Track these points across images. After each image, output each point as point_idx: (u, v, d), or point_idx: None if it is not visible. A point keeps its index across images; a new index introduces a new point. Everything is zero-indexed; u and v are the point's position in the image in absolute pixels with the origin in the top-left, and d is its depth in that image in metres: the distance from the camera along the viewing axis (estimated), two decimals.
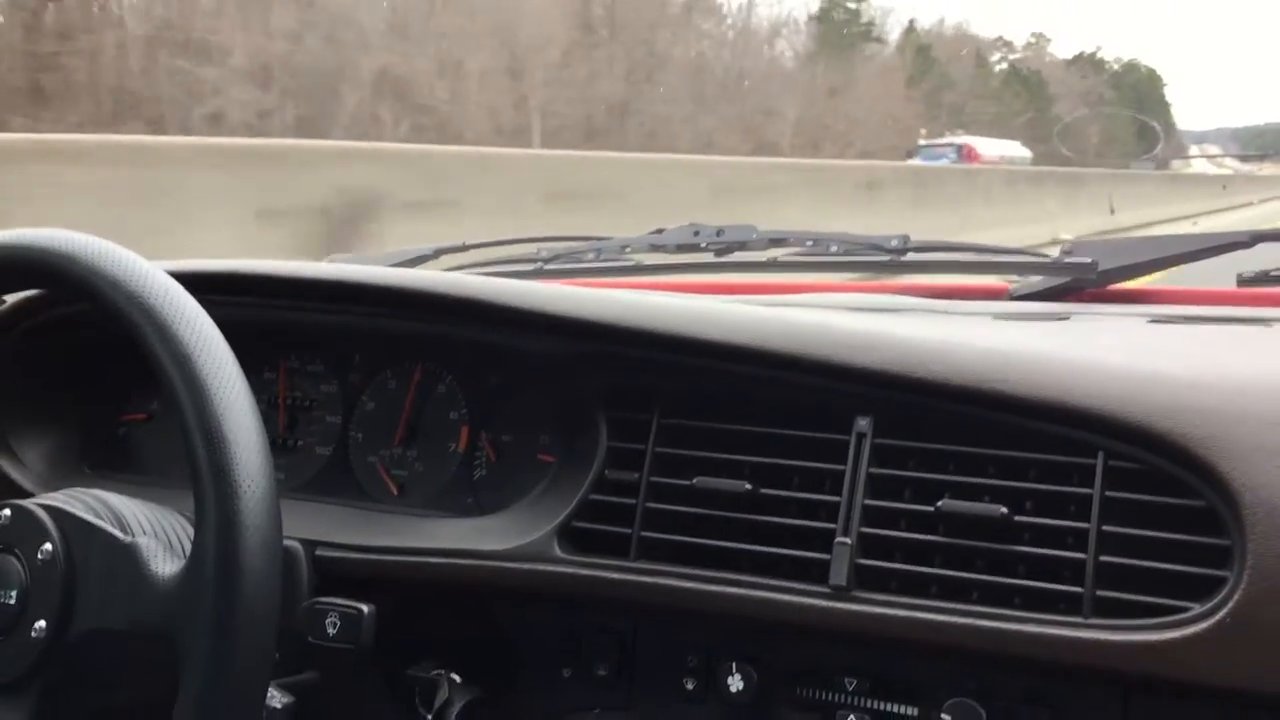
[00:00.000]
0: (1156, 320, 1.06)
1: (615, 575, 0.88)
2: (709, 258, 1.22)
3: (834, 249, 1.17)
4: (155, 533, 0.83)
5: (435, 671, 0.94)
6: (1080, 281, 1.12)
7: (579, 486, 0.92)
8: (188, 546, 0.83)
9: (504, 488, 0.99)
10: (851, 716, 0.82)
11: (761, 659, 0.85)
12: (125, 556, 0.77)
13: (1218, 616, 0.71)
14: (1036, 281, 1.14)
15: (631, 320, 0.91)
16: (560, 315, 0.93)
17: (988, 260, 1.19)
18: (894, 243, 1.15)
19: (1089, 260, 1.12)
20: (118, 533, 0.80)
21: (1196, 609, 0.72)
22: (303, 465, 1.08)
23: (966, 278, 1.20)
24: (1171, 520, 0.75)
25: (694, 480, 0.88)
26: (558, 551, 0.90)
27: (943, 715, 0.79)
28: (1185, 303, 1.16)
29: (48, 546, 0.79)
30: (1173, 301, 1.17)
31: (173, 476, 1.06)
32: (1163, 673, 0.72)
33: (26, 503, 0.81)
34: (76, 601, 0.78)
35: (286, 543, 0.91)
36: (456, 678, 0.94)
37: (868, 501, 0.83)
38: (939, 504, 0.80)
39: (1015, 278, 1.18)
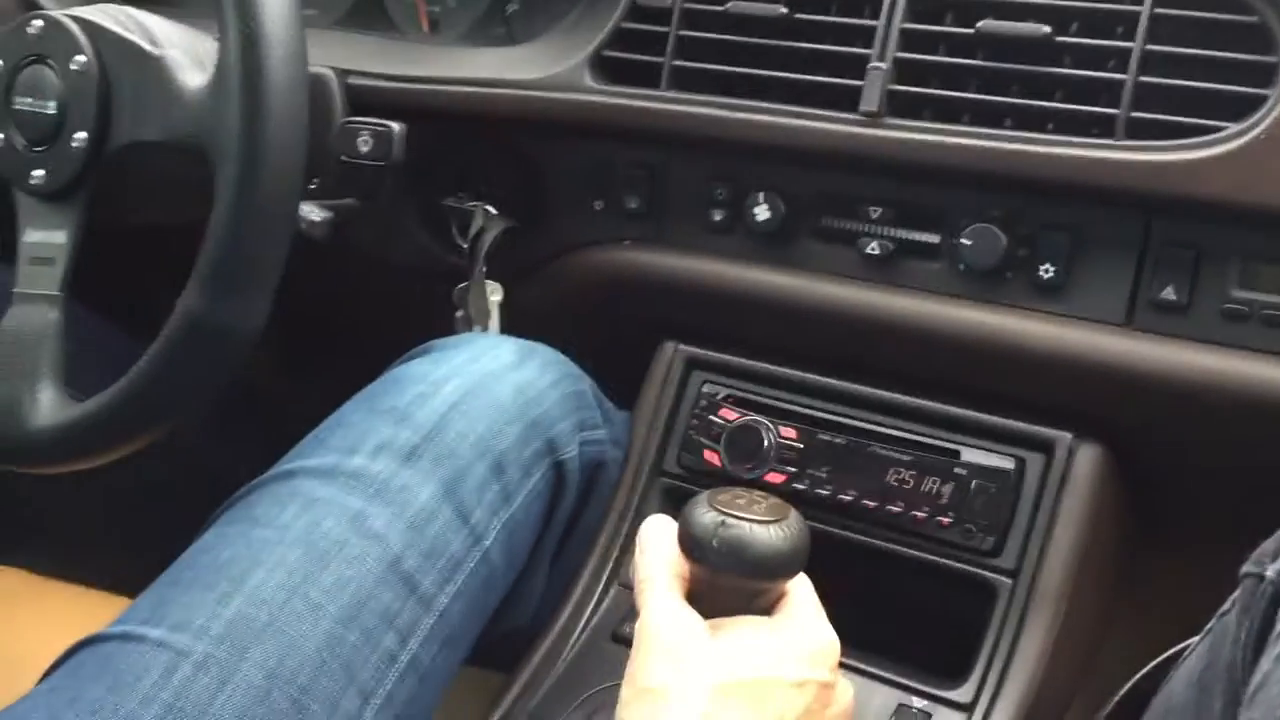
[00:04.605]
0: None
1: (647, 104, 0.88)
2: None
3: None
4: (182, 46, 0.83)
5: (470, 203, 0.96)
6: None
7: (611, 14, 0.89)
8: (213, 59, 0.84)
9: (537, 19, 0.97)
10: (874, 243, 0.83)
11: (789, 189, 0.86)
12: (155, 68, 0.78)
13: (1254, 133, 0.70)
14: None
15: None
16: None
17: None
18: None
19: None
20: (146, 44, 0.79)
21: (1232, 128, 0.71)
22: (334, 1, 1.06)
23: None
24: (1219, 38, 0.72)
25: (728, 5, 0.85)
26: (589, 80, 0.89)
27: (963, 240, 0.80)
28: None
29: (81, 57, 0.80)
30: None
31: (202, 12, 1.04)
32: (1191, 191, 0.71)
33: (57, 14, 0.81)
34: (112, 112, 0.79)
35: (319, 69, 0.91)
36: (491, 209, 0.96)
37: (906, 25, 0.80)
38: (980, 25, 0.77)
39: None
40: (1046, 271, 0.78)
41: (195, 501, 0.79)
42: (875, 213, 0.83)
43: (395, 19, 1.04)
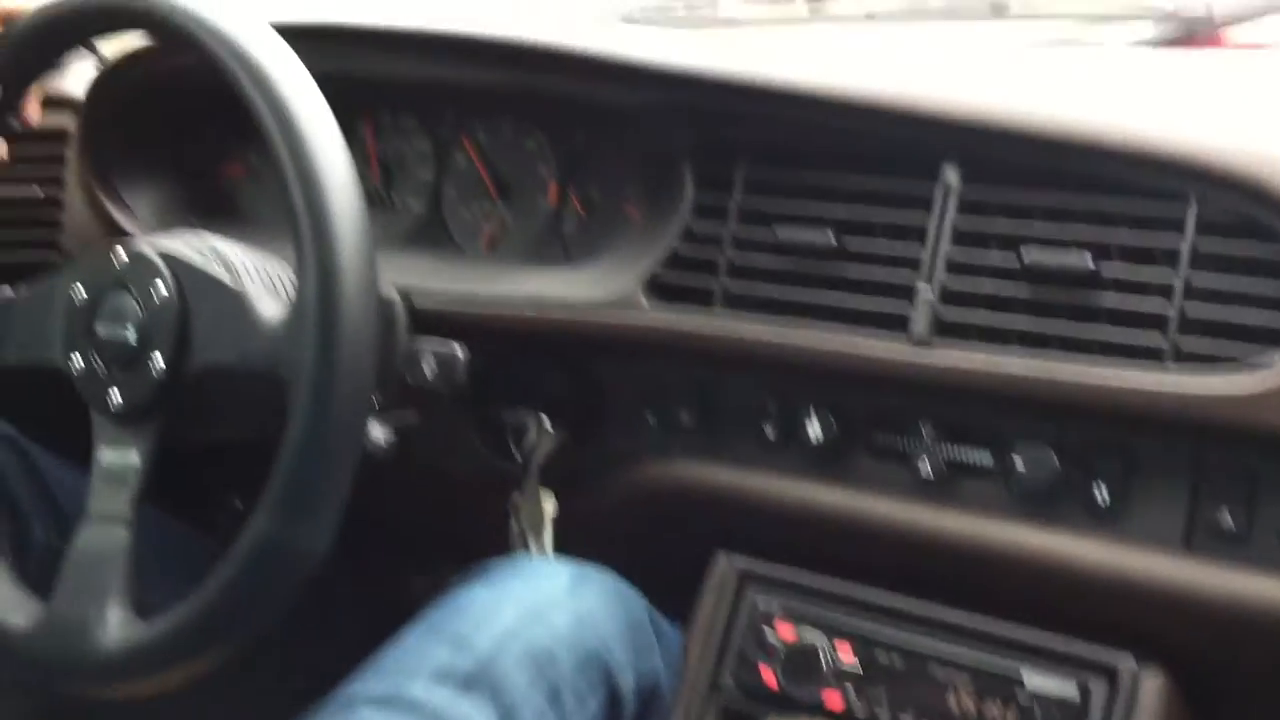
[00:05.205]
0: (1266, 71, 1.02)
1: (699, 325, 0.90)
2: (802, 11, 1.19)
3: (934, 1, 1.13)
4: (260, 277, 0.87)
5: (525, 415, 0.99)
6: (1192, 32, 1.07)
7: (665, 239, 0.93)
8: (290, 291, 0.88)
9: (592, 241, 1.01)
10: (927, 462, 0.84)
11: (841, 407, 0.87)
12: (233, 298, 0.81)
13: None
14: (1145, 31, 1.09)
15: (716, 71, 0.90)
16: (645, 66, 0.92)
17: (1096, 12, 1.13)
18: None
19: (1202, 11, 1.06)
20: (225, 274, 0.83)
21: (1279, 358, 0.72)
22: (399, 219, 1.11)
23: (1071, 28, 1.15)
24: (1259, 269, 0.74)
25: (778, 232, 0.88)
26: (644, 302, 0.92)
27: (1016, 461, 0.81)
28: None
29: (162, 287, 0.83)
30: None
31: (272, 226, 1.09)
32: (1239, 421, 0.72)
33: (140, 244, 0.85)
34: (190, 340, 0.82)
35: (384, 291, 0.95)
36: (546, 421, 0.98)
37: (951, 253, 0.83)
38: (1023, 255, 0.80)
39: (1123, 29, 1.13)
40: (1101, 494, 0.78)
41: (276, 708, 0.79)
42: (927, 432, 0.85)
43: (456, 237, 1.09)
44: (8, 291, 0.91)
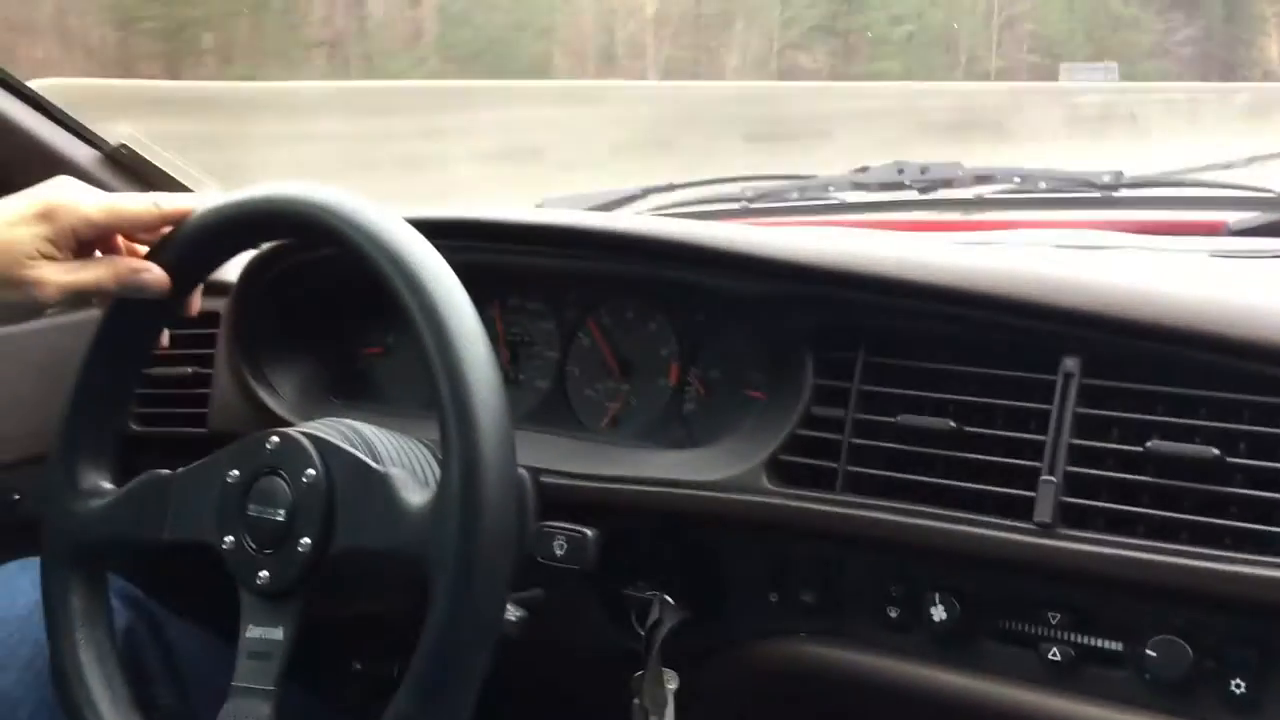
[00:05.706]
0: None
1: (821, 507, 0.92)
2: (913, 195, 1.23)
3: (1042, 185, 1.17)
4: (403, 462, 0.91)
5: (649, 592, 1.00)
6: None
7: (786, 422, 0.96)
8: (431, 476, 0.92)
9: (714, 422, 1.04)
10: (1055, 649, 0.84)
11: (965, 590, 0.88)
12: (379, 483, 0.85)
13: None
14: (1255, 218, 1.11)
15: (838, 262, 0.94)
16: (769, 258, 0.96)
17: (1204, 195, 1.16)
18: (1106, 178, 1.14)
19: None
20: (371, 461, 0.88)
21: None
22: (525, 397, 1.15)
23: (1181, 214, 1.18)
24: None
25: (899, 417, 0.91)
26: (766, 483, 0.95)
27: (1148, 652, 0.80)
28: None
29: (311, 471, 0.87)
30: None
31: (408, 404, 1.15)
32: None
33: (291, 430, 0.90)
34: (336, 522, 0.86)
35: (518, 472, 0.98)
36: (668, 599, 1.00)
37: (1074, 440, 0.84)
38: (1147, 444, 0.81)
39: (1233, 213, 1.16)
40: (1238, 686, 0.78)
41: None
42: (1055, 618, 0.85)
43: (580, 415, 1.13)
44: (164, 472, 0.96)
